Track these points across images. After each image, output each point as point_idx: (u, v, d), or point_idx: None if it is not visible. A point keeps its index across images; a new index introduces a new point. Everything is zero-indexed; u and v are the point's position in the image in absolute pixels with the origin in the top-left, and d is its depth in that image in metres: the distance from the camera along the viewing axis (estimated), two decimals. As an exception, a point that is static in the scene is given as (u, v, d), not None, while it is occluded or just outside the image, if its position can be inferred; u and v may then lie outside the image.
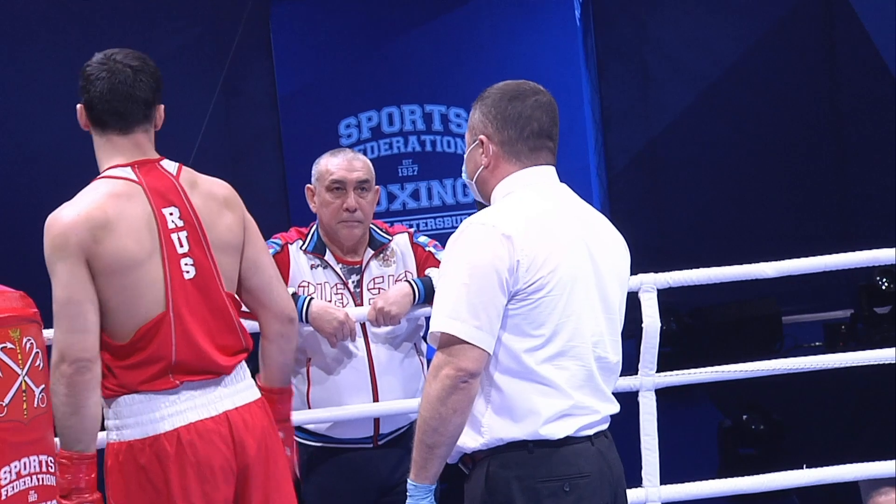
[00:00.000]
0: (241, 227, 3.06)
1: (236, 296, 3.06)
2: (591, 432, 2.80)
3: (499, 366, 2.74)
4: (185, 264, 2.96)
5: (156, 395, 2.94)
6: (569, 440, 2.76)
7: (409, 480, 2.75)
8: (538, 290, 2.73)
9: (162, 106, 3.05)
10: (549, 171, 2.89)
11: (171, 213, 2.96)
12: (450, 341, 2.70)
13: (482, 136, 2.87)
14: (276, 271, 3.16)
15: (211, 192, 3.04)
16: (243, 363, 3.04)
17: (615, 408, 2.87)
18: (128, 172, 2.99)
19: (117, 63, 3.00)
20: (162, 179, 2.99)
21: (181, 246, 2.96)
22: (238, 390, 3.00)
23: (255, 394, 3.04)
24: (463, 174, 2.98)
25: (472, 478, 2.80)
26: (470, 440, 2.77)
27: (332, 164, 3.85)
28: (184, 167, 3.06)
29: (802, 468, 4.02)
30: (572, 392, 2.76)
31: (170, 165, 3.04)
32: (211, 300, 2.98)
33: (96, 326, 2.91)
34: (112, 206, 2.94)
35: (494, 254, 2.71)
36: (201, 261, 2.97)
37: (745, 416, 7.22)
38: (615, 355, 2.85)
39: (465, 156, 2.95)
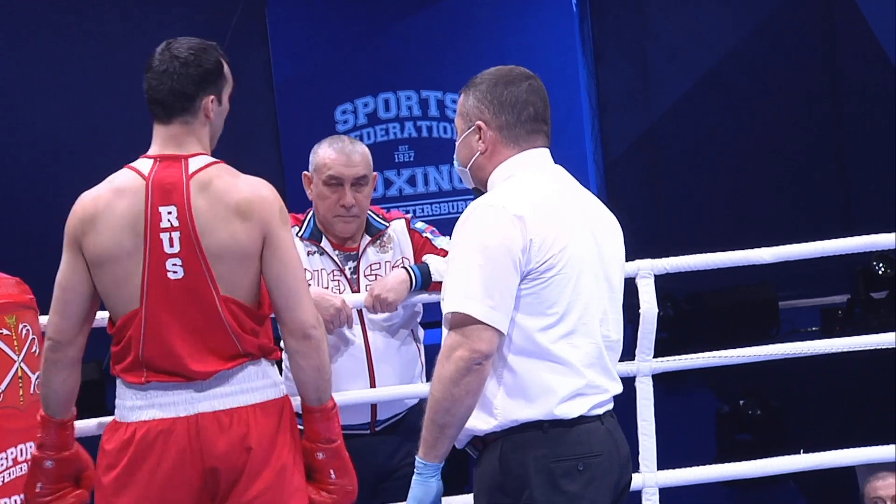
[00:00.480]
0: (252, 237, 2.97)
1: (244, 301, 2.99)
2: (601, 411, 2.82)
3: (512, 346, 2.75)
4: (172, 265, 2.94)
5: (129, 385, 3.01)
6: (582, 419, 2.77)
7: (417, 458, 2.76)
8: (549, 269, 2.75)
9: (211, 97, 3.02)
10: (546, 154, 2.91)
11: (168, 213, 2.95)
12: (463, 321, 2.70)
13: (479, 122, 2.87)
14: (299, 287, 3.02)
15: (222, 196, 2.97)
16: (245, 366, 2.99)
17: (620, 387, 2.90)
18: (146, 165, 3.01)
19: (168, 52, 3.01)
20: (174, 177, 2.97)
21: (171, 246, 2.94)
22: (223, 393, 2.98)
23: (254, 399, 3.00)
24: (455, 161, 2.98)
25: (484, 460, 2.80)
26: (481, 423, 2.78)
27: (329, 158, 3.78)
28: (216, 166, 3.01)
29: (799, 453, 4.02)
30: (585, 371, 2.78)
31: (197, 162, 3.00)
32: (201, 303, 2.95)
33: (77, 314, 3.03)
34: (105, 200, 2.99)
35: (506, 234, 2.73)
36: (192, 263, 2.94)
37: (741, 402, 7.25)
38: (617, 333, 2.88)
39: (457, 143, 2.95)
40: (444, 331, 2.81)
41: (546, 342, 2.75)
